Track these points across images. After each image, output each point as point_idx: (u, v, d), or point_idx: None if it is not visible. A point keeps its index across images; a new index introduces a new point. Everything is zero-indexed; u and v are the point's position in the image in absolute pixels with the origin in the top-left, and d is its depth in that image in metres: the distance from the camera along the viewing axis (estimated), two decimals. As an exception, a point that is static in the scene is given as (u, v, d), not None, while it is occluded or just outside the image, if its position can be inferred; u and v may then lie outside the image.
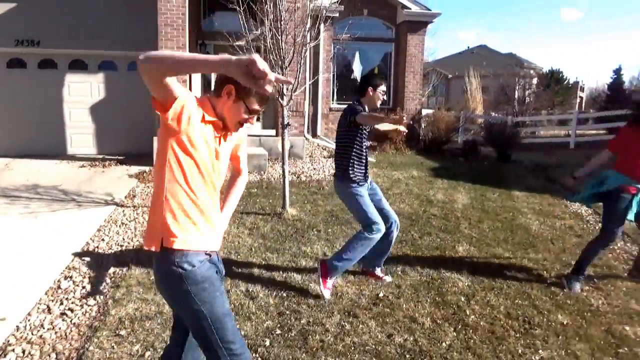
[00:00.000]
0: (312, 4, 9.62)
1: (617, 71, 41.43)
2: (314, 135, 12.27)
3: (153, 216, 1.75)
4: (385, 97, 3.68)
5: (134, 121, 9.72)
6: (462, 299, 3.52)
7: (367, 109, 3.54)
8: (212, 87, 1.82)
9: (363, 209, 3.46)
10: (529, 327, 3.12)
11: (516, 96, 27.98)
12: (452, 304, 3.43)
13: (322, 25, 12.01)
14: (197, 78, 10.31)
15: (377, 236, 3.44)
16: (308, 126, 12.29)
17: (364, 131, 3.50)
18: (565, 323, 3.18)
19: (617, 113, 15.48)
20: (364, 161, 3.57)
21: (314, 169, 8.43)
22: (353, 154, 3.50)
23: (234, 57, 1.37)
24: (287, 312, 3.27)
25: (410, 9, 12.24)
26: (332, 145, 11.18)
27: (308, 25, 5.71)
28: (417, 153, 11.45)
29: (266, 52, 5.53)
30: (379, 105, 3.58)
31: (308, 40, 5.76)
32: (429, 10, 12.36)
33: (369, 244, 3.44)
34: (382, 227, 3.45)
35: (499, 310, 3.35)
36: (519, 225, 5.59)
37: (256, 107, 1.77)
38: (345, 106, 3.66)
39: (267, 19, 5.48)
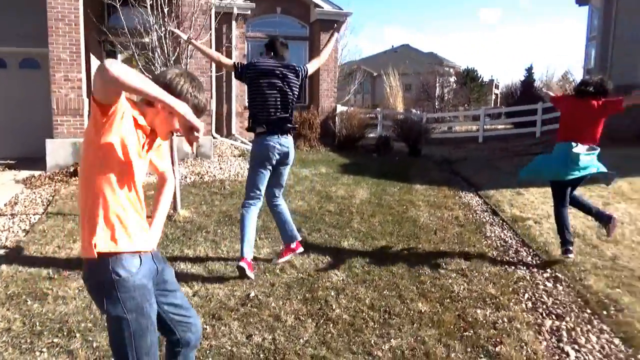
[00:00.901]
0: (222, 2, 9.48)
1: (529, 69, 44.49)
2: (229, 134, 12.08)
3: (84, 221, 1.69)
4: None
5: (26, 122, 9.06)
6: (332, 293, 3.57)
7: None
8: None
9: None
10: (388, 317, 3.22)
11: (437, 93, 29.27)
12: (320, 299, 3.47)
13: (234, 23, 11.92)
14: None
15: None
16: (222, 125, 12.09)
17: None
18: (423, 311, 3.32)
19: (523, 108, 16.56)
20: None
21: (221, 168, 8.28)
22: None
23: (188, 114, 1.58)
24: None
25: (322, 7, 12.37)
26: (247, 146, 11.07)
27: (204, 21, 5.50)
28: (331, 150, 11.61)
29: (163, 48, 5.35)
30: None
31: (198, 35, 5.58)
32: (341, 9, 12.56)
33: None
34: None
35: (364, 302, 3.43)
36: (409, 218, 5.80)
37: None
38: None
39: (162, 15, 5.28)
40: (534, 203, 6.61)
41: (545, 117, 15.53)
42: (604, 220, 4.29)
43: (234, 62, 3.85)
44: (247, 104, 3.76)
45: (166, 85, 1.72)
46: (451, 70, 37.92)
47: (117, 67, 1.42)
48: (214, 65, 9.31)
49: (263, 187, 3.91)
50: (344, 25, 12.46)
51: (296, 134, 11.35)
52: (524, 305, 3.47)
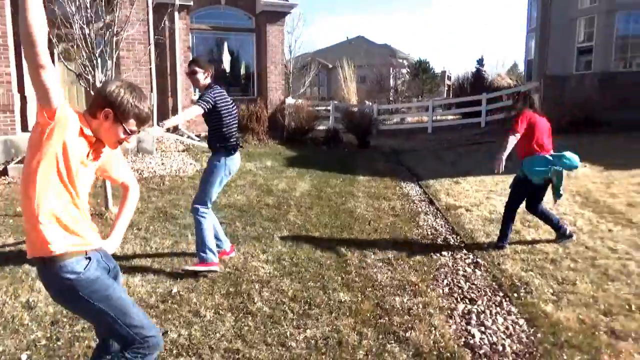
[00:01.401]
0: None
1: (480, 61, 45.82)
2: (175, 128, 11.83)
3: (28, 225, 1.75)
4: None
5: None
6: (256, 286, 3.59)
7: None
8: (86, 106, 1.88)
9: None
10: (308, 308, 3.27)
11: (391, 85, 29.66)
12: (243, 293, 3.48)
13: (176, 15, 11.63)
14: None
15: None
16: (168, 119, 11.79)
17: None
18: (343, 300, 3.39)
19: (468, 99, 17.05)
20: None
21: (162, 164, 8.11)
22: None
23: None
24: (65, 319, 3.07)
25: (267, -1, 12.26)
26: (193, 141, 10.89)
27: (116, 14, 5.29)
28: (280, 143, 11.58)
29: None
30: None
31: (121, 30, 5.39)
32: (287, 0, 12.48)
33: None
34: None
35: (286, 294, 3.47)
36: (345, 210, 5.88)
37: (134, 128, 1.85)
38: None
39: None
40: (469, 192, 6.85)
41: (490, 108, 16.07)
42: (561, 233, 4.51)
43: (202, 106, 3.66)
44: (214, 126, 3.78)
45: (106, 98, 1.80)
46: (404, 61, 38.52)
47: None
48: (152, 56, 9.07)
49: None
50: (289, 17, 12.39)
51: (244, 127, 11.29)
52: (440, 291, 3.60)
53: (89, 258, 1.83)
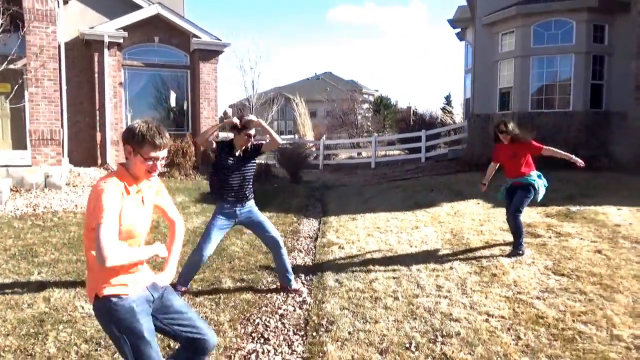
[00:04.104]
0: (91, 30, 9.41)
1: (448, 97, 47.30)
2: (103, 163, 11.88)
3: (89, 276, 2.16)
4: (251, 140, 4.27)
5: None
6: (60, 327, 3.61)
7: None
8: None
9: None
10: (95, 350, 3.31)
11: (357, 120, 30.26)
12: (40, 334, 3.50)
13: (106, 51, 11.85)
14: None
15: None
16: (95, 154, 11.87)
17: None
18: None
19: (409, 135, 17.52)
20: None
21: (64, 200, 8.11)
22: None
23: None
24: None
25: (200, 38, 12.59)
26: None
27: None
28: (208, 178, 11.65)
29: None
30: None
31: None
32: (219, 40, 12.84)
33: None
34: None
35: (83, 335, 3.50)
36: (219, 247, 5.94)
37: (152, 154, 2.10)
38: None
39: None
40: (357, 228, 7.01)
41: (429, 144, 16.54)
42: (516, 249, 5.30)
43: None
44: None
45: (123, 137, 2.14)
46: (370, 97, 39.46)
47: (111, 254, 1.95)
48: (64, 92, 9.20)
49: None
50: (221, 56, 12.74)
51: (170, 162, 11.38)
52: (242, 331, 3.68)
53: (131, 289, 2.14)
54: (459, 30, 17.76)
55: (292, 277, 4.53)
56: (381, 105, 32.86)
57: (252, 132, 4.21)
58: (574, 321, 3.64)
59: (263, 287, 4.66)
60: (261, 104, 33.70)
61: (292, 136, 27.95)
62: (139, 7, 12.36)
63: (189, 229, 6.78)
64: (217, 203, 4.42)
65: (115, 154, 12.06)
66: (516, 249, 5.28)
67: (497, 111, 13.13)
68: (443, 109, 29.35)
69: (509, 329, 3.56)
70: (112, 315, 2.08)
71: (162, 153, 2.14)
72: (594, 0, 11.56)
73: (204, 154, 12.47)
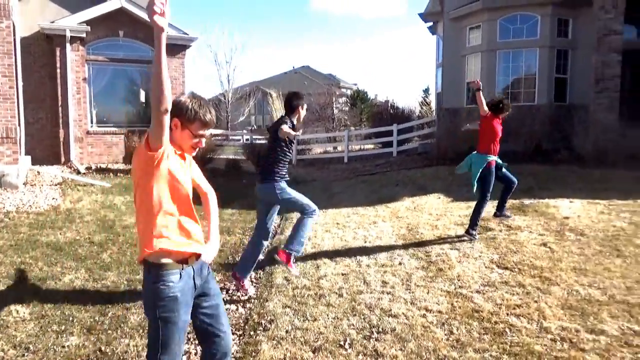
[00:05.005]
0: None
1: (426, 90, 47.61)
2: (67, 160, 11.65)
3: (139, 230, 2.12)
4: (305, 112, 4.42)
5: None
6: (-10, 332, 3.54)
7: (295, 123, 4.32)
8: None
9: (296, 198, 4.31)
10: (22, 356, 3.25)
11: (334, 114, 30.25)
12: (-31, 339, 3.43)
13: (68, 46, 11.59)
14: None
15: (315, 217, 4.41)
16: (59, 151, 11.64)
17: (285, 141, 4.23)
18: (75, 344, 3.39)
19: (381, 129, 17.58)
20: (286, 163, 4.34)
21: (19, 200, 7.92)
22: (277, 157, 4.26)
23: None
24: None
25: (167, 32, 12.37)
26: (73, 176, 10.72)
27: None
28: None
29: None
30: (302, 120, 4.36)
31: None
32: (186, 34, 12.68)
33: (311, 224, 4.39)
34: (316, 208, 4.38)
35: (13, 341, 3.44)
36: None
37: (200, 131, 2.14)
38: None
39: None
40: (316, 225, 6.98)
41: (401, 138, 16.62)
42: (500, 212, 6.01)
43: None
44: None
45: (173, 109, 2.02)
46: (348, 91, 39.46)
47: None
48: (20, 89, 8.97)
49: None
50: (188, 50, 12.60)
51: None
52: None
53: (181, 275, 2.10)
54: (430, 24, 17.86)
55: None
56: (358, 99, 32.94)
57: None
58: (507, 314, 3.71)
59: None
60: (237, 99, 33.48)
61: (242, 131, 27.81)
62: (102, 0, 12.11)
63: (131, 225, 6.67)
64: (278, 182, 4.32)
65: (79, 151, 11.84)
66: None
67: (465, 105, 13.27)
68: (422, 103, 29.51)
69: (443, 324, 3.61)
70: (154, 298, 2.07)
71: (210, 130, 2.20)
72: (557, -6, 11.74)
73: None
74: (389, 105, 37.24)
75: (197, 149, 2.20)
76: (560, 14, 12.07)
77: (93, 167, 11.46)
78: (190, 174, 2.28)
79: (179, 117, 2.11)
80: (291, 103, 4.35)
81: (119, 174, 10.86)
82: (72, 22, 11.41)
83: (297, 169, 15.89)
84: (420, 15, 17.08)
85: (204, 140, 2.19)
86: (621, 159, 9.19)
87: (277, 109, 24.22)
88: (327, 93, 31.71)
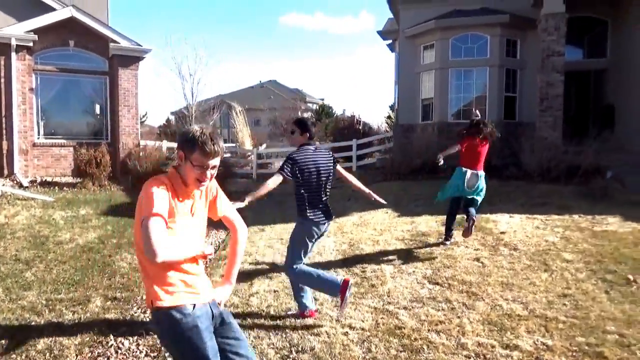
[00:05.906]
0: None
1: (392, 107, 48.43)
2: (10, 174, 11.19)
3: (144, 276, 2.06)
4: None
5: None
6: None
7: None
8: None
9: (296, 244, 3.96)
10: None
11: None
12: None
13: (13, 55, 11.20)
14: None
15: (291, 277, 4.05)
16: (2, 164, 11.17)
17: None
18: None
19: (341, 144, 17.68)
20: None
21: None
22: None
23: None
24: None
25: (119, 43, 12.16)
26: (19, 192, 10.32)
27: None
28: (125, 189, 11.21)
29: None
30: None
31: None
32: (140, 45, 12.46)
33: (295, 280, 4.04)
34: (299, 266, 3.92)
35: None
36: (107, 262, 5.69)
37: (201, 162, 1.98)
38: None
39: None
40: (260, 240, 6.92)
41: (360, 153, 16.74)
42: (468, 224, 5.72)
43: (282, 174, 3.78)
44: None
45: (180, 137, 2.05)
46: (314, 106, 39.69)
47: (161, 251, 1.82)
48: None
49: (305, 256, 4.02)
50: (140, 63, 12.39)
51: (83, 172, 10.87)
52: (87, 355, 3.49)
53: (195, 305, 2.01)
54: (390, 41, 18.20)
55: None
56: (323, 113, 33.18)
57: None
58: (429, 330, 3.71)
59: (135, 305, 4.46)
60: (201, 112, 33.13)
61: (232, 144, 27.58)
62: (52, 9, 11.83)
63: (79, 244, 6.44)
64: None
65: (24, 164, 11.40)
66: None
67: (420, 121, 13.51)
68: (388, 118, 30.01)
69: (363, 342, 3.57)
70: (174, 332, 1.96)
71: (213, 161, 2.02)
72: (505, 16, 12.16)
73: (123, 163, 12.03)
74: (355, 120, 37.65)
75: (203, 183, 2.03)
76: (509, 35, 12.49)
77: (38, 180, 11.04)
78: (203, 218, 2.17)
79: (183, 148, 2.02)
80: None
81: (64, 188, 10.49)
82: (18, 30, 11.05)
83: (256, 184, 15.80)
84: (379, 32, 17.40)
85: (208, 172, 2.02)
86: (563, 175, 9.48)
87: (241, 122, 24.14)
88: (292, 107, 31.86)
